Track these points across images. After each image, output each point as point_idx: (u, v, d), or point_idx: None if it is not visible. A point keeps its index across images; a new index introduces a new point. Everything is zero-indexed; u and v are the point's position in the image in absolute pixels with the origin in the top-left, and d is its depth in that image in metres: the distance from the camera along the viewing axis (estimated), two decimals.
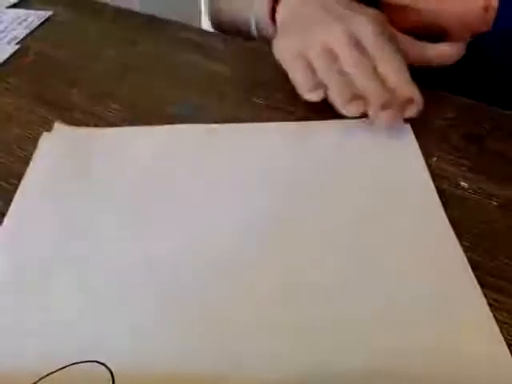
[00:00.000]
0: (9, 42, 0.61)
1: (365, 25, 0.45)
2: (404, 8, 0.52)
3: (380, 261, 0.35)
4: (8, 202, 0.40)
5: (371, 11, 0.48)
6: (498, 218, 0.38)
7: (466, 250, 0.35)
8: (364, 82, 0.44)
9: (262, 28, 0.55)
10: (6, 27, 0.64)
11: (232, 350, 0.31)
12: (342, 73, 0.44)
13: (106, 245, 0.37)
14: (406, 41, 0.49)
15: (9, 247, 0.37)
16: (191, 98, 0.50)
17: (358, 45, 0.45)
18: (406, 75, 0.45)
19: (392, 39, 0.46)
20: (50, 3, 0.68)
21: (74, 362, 0.30)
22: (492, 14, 0.51)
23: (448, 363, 0.30)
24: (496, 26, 0.51)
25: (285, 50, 0.48)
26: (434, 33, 0.52)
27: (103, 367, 0.30)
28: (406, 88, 0.44)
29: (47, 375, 0.30)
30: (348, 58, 0.44)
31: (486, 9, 0.51)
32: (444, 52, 0.49)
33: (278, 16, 0.52)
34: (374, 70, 0.44)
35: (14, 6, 0.69)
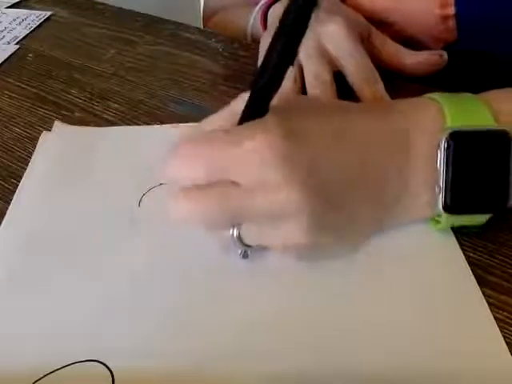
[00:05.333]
0: (9, 42, 0.61)
1: (334, 31, 0.45)
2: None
3: (379, 266, 0.35)
4: (8, 201, 0.40)
5: (352, 14, 0.48)
6: (498, 217, 0.38)
7: (465, 249, 0.35)
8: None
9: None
10: (6, 27, 0.64)
11: (232, 349, 0.31)
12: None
13: (106, 245, 0.37)
14: (388, 44, 0.49)
15: (8, 247, 0.37)
16: (191, 97, 0.50)
17: (321, 51, 0.45)
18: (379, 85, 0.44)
19: (359, 46, 0.45)
20: (50, 3, 0.68)
21: (74, 361, 0.30)
22: (453, 23, 0.50)
23: (448, 363, 0.30)
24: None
25: (260, 52, 0.48)
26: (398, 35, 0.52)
27: (103, 367, 0.30)
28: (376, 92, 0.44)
29: (47, 375, 0.30)
30: (307, 69, 0.45)
31: (445, 17, 0.50)
32: (424, 59, 0.48)
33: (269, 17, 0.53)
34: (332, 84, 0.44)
35: (14, 5, 0.69)
